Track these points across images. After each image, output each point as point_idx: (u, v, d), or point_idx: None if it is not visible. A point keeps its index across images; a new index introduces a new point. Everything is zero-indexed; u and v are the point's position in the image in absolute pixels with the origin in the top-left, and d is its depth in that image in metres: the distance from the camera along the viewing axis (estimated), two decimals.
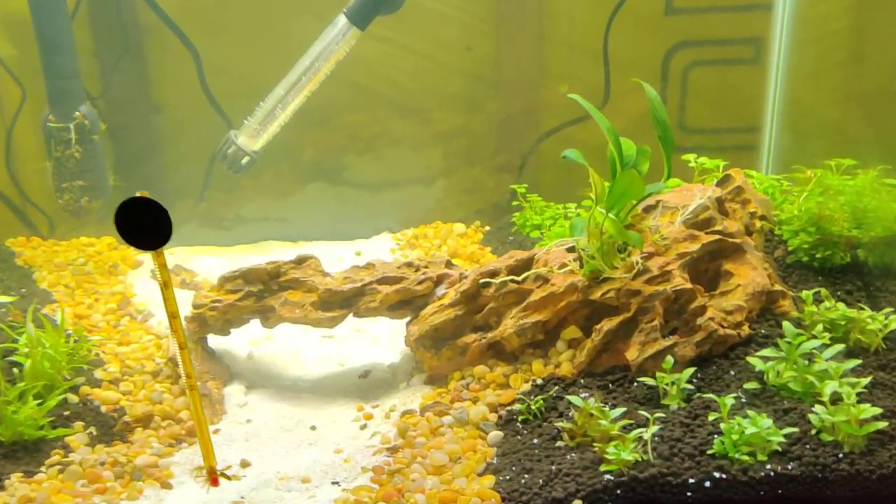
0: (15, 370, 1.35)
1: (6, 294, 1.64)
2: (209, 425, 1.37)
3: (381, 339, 1.67)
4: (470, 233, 2.09)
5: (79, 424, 1.34)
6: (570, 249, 1.41)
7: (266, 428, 1.39)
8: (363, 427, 1.38)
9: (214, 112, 2.19)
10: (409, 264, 1.52)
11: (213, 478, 1.13)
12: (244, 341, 1.61)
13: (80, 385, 1.41)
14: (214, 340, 1.55)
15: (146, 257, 2.03)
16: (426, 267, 1.51)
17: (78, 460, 1.24)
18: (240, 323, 1.52)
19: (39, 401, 1.30)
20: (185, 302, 1.80)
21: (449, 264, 1.53)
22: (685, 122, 2.35)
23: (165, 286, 1.03)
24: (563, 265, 1.38)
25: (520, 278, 1.38)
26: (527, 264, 1.43)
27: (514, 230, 1.99)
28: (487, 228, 2.11)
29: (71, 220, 2.08)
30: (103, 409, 1.39)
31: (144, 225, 0.99)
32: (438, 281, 1.49)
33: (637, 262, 1.33)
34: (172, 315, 1.06)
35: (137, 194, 0.98)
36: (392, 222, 2.25)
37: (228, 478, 1.13)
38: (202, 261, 2.01)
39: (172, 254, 2.04)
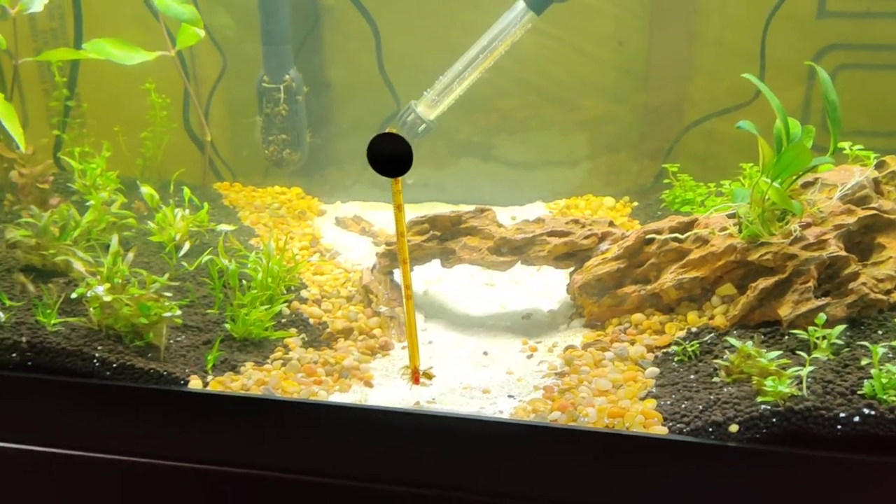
0: (244, 282, 1.62)
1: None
2: (397, 342, 1.60)
3: (538, 291, 1.85)
4: (619, 207, 2.25)
5: (293, 330, 1.59)
6: (730, 216, 1.55)
7: (445, 349, 1.60)
8: (529, 357, 1.57)
9: (379, 90, 2.43)
10: (575, 221, 1.70)
11: (416, 377, 1.35)
12: (421, 280, 1.83)
13: (291, 301, 1.67)
14: (399, 276, 1.79)
15: (329, 207, 2.29)
16: (591, 225, 1.69)
17: (296, 357, 1.50)
18: (423, 261, 1.74)
19: (266, 306, 1.56)
20: (365, 247, 2.05)
21: (612, 224, 1.70)
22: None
23: (399, 209, 1.25)
24: (724, 228, 1.52)
25: (683, 237, 1.54)
26: (687, 227, 1.58)
27: (662, 206, 2.13)
28: (636, 204, 2.25)
29: (253, 173, 2.39)
30: (311, 321, 1.64)
31: (389, 156, 1.22)
32: (602, 237, 1.66)
33: (795, 230, 1.45)
34: (401, 234, 1.27)
35: (387, 130, 1.20)
36: (545, 193, 2.43)
37: (430, 376, 1.34)
38: (376, 214, 2.25)
39: (344, 205, 2.30)
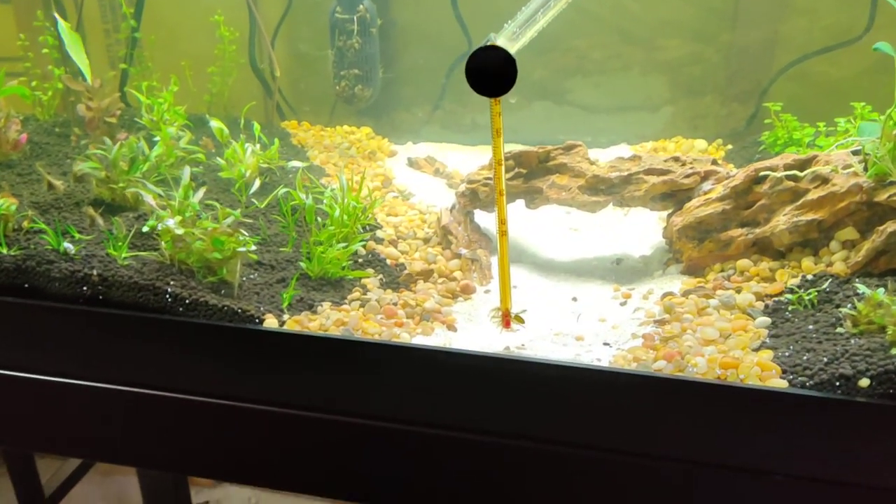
0: (319, 219, 1.53)
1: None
2: (479, 285, 1.50)
3: (627, 236, 1.72)
4: (711, 150, 2.09)
5: (370, 271, 1.51)
6: (855, 153, 1.40)
7: (530, 294, 1.50)
8: (623, 304, 1.46)
9: (448, 30, 2.30)
10: (675, 158, 1.56)
11: (507, 320, 1.25)
12: None
13: (367, 241, 1.58)
14: (478, 217, 1.68)
15: (400, 148, 2.19)
16: (692, 163, 1.55)
17: (375, 298, 1.41)
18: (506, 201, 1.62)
19: (343, 244, 1.47)
20: (439, 188, 1.95)
21: (715, 163, 1.56)
22: None
23: (497, 134, 1.14)
24: (848, 166, 1.37)
25: (801, 174, 1.39)
26: (804, 165, 1.43)
27: (761, 150, 1.97)
28: (730, 147, 2.09)
29: (318, 112, 2.30)
30: (388, 262, 1.55)
31: (489, 73, 1.10)
32: (705, 177, 1.52)
33: None
34: (498, 162, 1.16)
35: (489, 42, 1.09)
36: (628, 137, 2.28)
37: (521, 320, 1.24)
38: (449, 155, 2.14)
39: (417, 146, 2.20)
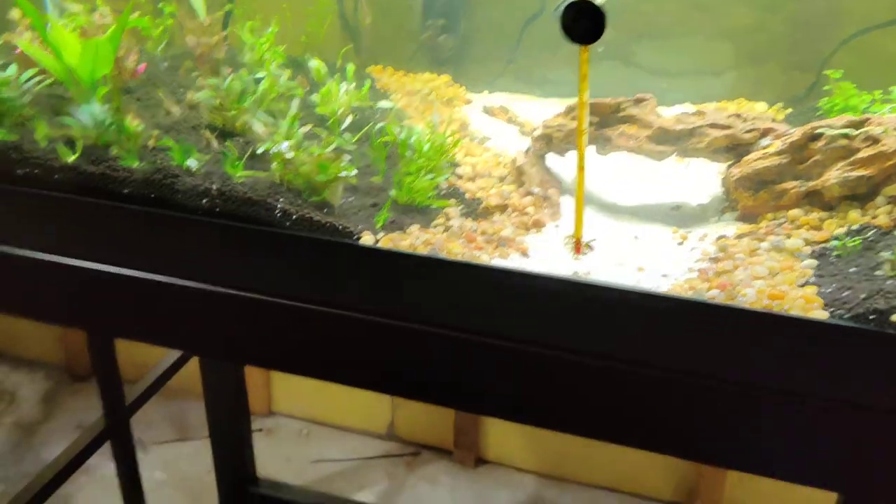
0: (408, 153, 1.70)
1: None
2: (549, 221, 1.66)
3: (687, 185, 1.86)
4: (771, 112, 2.20)
5: (452, 201, 1.67)
6: None
7: (596, 232, 1.65)
8: (680, 243, 1.60)
9: None
10: (737, 115, 1.69)
11: (578, 247, 1.41)
12: (571, 166, 1.87)
13: (448, 175, 1.75)
14: (550, 160, 1.83)
15: (475, 97, 2.34)
16: (753, 120, 1.67)
17: (456, 225, 1.58)
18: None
19: (430, 175, 1.64)
20: (512, 135, 2.10)
21: (773, 121, 1.68)
22: None
23: (583, 79, 1.28)
24: None
25: (856, 132, 1.52)
26: (858, 125, 1.55)
27: (818, 115, 2.07)
28: (790, 111, 2.20)
29: (397, 59, 2.45)
30: (467, 196, 1.72)
31: (580, 20, 1.24)
32: (764, 133, 1.65)
33: None
34: (582, 104, 1.31)
35: None
36: (692, 98, 2.39)
37: (591, 248, 1.40)
38: (522, 105, 2.29)
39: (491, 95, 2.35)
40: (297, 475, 3.80)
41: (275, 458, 3.88)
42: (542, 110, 2.26)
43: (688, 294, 1.34)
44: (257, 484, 3.28)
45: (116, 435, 2.90)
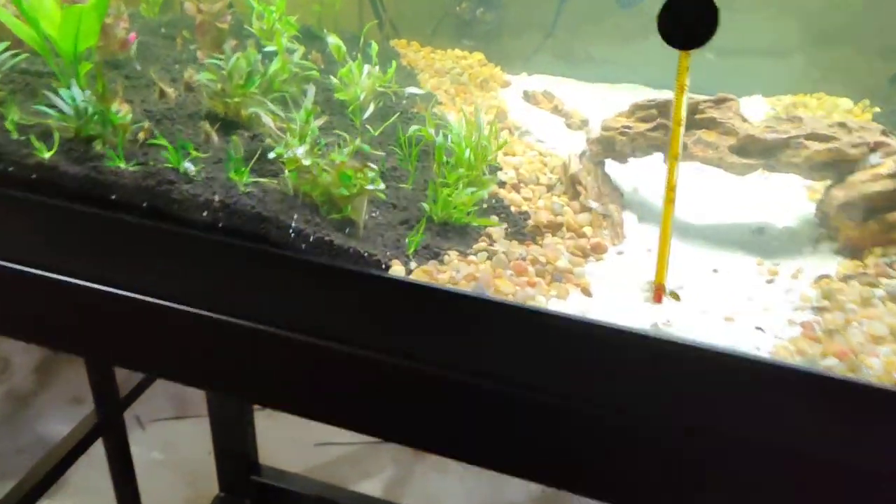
0: (443, 158, 1.42)
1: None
2: (611, 245, 1.40)
3: (768, 203, 1.59)
4: (856, 111, 1.92)
5: (494, 218, 1.41)
6: None
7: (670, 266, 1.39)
8: (770, 281, 1.34)
9: None
10: (841, 124, 1.41)
11: (659, 295, 1.15)
12: (634, 176, 1.60)
13: (493, 187, 1.47)
14: (610, 168, 1.56)
15: (514, 78, 2.05)
16: (861, 130, 1.40)
17: (502, 251, 1.31)
18: (642, 153, 1.50)
19: (472, 189, 1.37)
20: (558, 127, 1.82)
21: (885, 133, 1.40)
22: None
23: (681, 90, 1.01)
24: None
25: None
26: None
27: None
28: (877, 110, 1.92)
29: (419, 31, 2.16)
30: (512, 209, 1.45)
31: (681, 20, 0.96)
32: (874, 148, 1.38)
33: None
34: (678, 122, 1.04)
35: None
36: (762, 85, 2.11)
37: (677, 297, 1.14)
38: (566, 89, 2.00)
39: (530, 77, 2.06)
40: (300, 459, 3.62)
41: (277, 441, 3.69)
42: (591, 98, 1.98)
43: (797, 362, 1.09)
44: (259, 472, 3.10)
45: (109, 430, 2.69)
